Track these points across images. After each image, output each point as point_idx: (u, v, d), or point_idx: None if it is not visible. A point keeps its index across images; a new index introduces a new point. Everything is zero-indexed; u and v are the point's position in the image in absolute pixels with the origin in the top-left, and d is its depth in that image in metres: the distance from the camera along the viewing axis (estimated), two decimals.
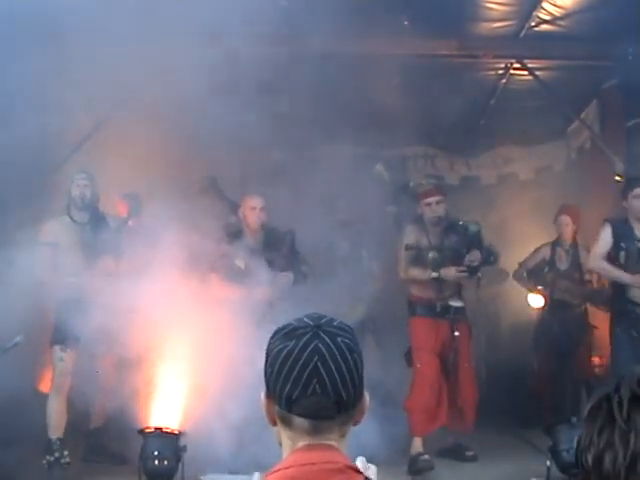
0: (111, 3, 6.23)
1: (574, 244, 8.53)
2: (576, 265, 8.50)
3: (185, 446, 6.32)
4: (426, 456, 7.04)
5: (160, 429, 6.41)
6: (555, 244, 8.67)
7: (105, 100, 7.47)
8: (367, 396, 2.00)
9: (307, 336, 1.91)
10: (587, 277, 8.45)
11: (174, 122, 7.39)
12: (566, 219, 8.52)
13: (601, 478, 1.45)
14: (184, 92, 6.75)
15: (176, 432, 6.43)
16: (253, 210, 7.30)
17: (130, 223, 7.44)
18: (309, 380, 1.87)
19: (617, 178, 7.78)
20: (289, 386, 1.89)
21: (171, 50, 6.76)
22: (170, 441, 6.33)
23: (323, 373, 1.88)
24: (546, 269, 8.58)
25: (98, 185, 7.29)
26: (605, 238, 6.95)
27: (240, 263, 7.28)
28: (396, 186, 7.69)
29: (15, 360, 6.35)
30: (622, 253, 6.85)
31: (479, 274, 7.50)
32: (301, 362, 1.89)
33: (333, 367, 1.89)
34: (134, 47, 6.18)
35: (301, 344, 1.90)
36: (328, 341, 1.91)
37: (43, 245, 7.04)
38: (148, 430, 6.39)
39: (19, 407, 6.60)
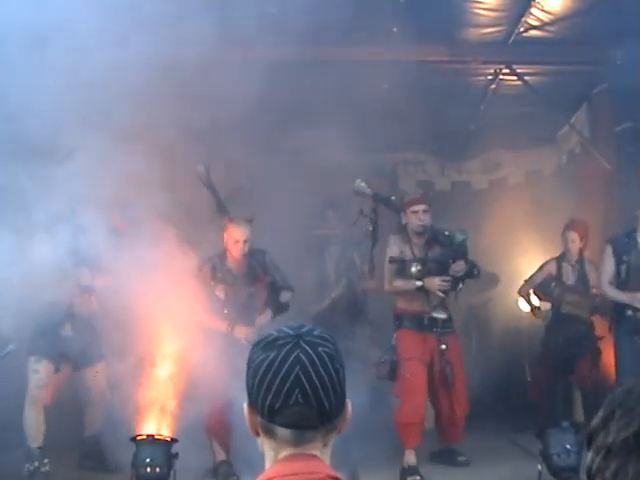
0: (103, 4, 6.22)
1: (580, 259, 8.40)
2: (583, 279, 8.37)
3: (177, 453, 6.32)
4: (417, 477, 6.93)
5: (152, 436, 6.42)
6: (560, 259, 8.52)
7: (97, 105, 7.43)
8: (349, 405, 2.01)
9: (288, 346, 1.92)
10: (594, 291, 8.33)
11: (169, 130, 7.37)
12: (573, 235, 8.30)
13: None
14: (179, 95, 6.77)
15: (168, 439, 6.43)
16: (237, 243, 7.23)
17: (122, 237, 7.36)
18: (291, 390, 1.88)
19: None
20: (271, 397, 1.89)
21: (167, 53, 6.76)
22: (162, 448, 6.33)
23: (305, 383, 1.88)
24: (553, 284, 8.49)
25: (78, 196, 7.25)
26: (607, 261, 6.98)
27: (220, 293, 7.28)
28: (378, 199, 7.57)
29: (7, 369, 6.36)
30: (623, 267, 6.85)
31: (461, 286, 7.34)
32: (283, 372, 1.89)
33: (315, 377, 1.89)
34: (129, 50, 6.16)
35: (282, 354, 1.91)
36: (309, 351, 1.91)
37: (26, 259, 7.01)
38: (140, 437, 6.39)
39: (12, 415, 6.60)
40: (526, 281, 8.78)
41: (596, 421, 1.45)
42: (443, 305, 7.30)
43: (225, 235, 7.31)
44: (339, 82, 8.34)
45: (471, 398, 7.61)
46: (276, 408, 1.89)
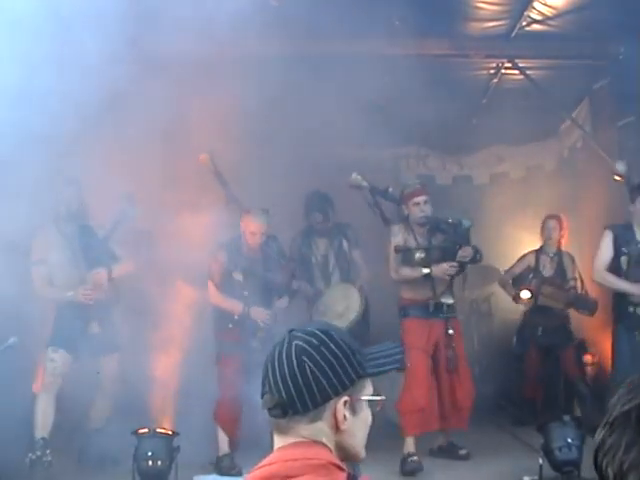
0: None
1: (559, 251, 8.60)
2: (561, 272, 8.58)
3: (178, 447, 6.34)
4: (415, 457, 7.01)
5: (154, 430, 6.42)
6: (539, 252, 8.73)
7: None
8: (340, 404, 2.04)
9: (278, 340, 2.09)
10: (572, 283, 8.50)
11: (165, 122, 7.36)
12: (553, 222, 8.59)
13: None
14: (178, 91, 6.77)
15: (170, 433, 6.44)
16: (254, 235, 7.24)
17: (121, 227, 7.36)
18: (263, 381, 2.05)
19: (616, 178, 7.72)
20: (261, 386, 2.07)
21: (163, 46, 6.76)
22: (164, 442, 6.34)
23: (270, 374, 2.03)
24: (530, 275, 8.61)
25: (86, 193, 7.28)
26: (606, 247, 6.85)
27: (238, 276, 7.31)
28: (374, 192, 7.60)
29: (10, 362, 6.38)
30: (623, 258, 6.79)
31: (466, 271, 7.46)
32: (264, 363, 2.07)
33: (277, 369, 2.02)
34: (125, 43, 6.15)
35: (272, 347, 2.09)
36: (284, 344, 2.06)
37: (35, 264, 7.06)
38: (142, 431, 6.40)
39: (15, 408, 6.60)
40: (506, 272, 8.94)
41: (613, 398, 1.47)
42: (450, 291, 7.40)
43: (242, 225, 7.31)
44: (340, 76, 8.32)
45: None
46: (261, 397, 2.05)
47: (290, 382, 1.99)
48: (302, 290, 8.05)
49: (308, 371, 2.00)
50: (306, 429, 2.01)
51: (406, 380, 7.20)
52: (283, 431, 2.03)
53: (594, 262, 6.96)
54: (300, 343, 2.03)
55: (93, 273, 7.02)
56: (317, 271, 8.35)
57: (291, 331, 2.08)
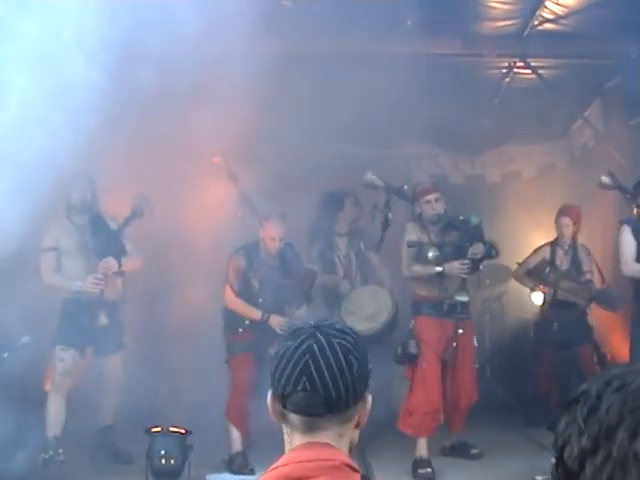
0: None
1: (574, 244, 8.49)
2: (576, 265, 8.47)
3: (192, 445, 6.35)
4: (429, 469, 6.95)
5: (167, 428, 6.44)
6: (555, 244, 8.59)
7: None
8: (369, 399, 2.05)
9: (304, 336, 1.99)
10: (588, 277, 8.41)
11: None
12: (566, 220, 8.42)
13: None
14: (187, 90, 6.78)
15: (183, 431, 6.45)
16: (273, 240, 7.28)
17: (134, 224, 7.38)
18: (299, 377, 1.95)
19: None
20: (283, 382, 1.97)
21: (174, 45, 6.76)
22: (177, 440, 6.35)
23: (313, 371, 1.95)
24: (547, 269, 8.52)
25: (98, 188, 7.31)
26: (629, 240, 6.79)
27: (255, 282, 7.33)
28: (390, 190, 7.57)
29: (24, 361, 6.41)
30: None
31: (481, 268, 7.41)
32: (294, 359, 1.97)
33: (323, 365, 1.95)
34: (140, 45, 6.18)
35: (297, 343, 1.98)
36: (323, 341, 1.98)
37: (45, 251, 7.11)
38: (155, 429, 6.41)
39: (26, 406, 6.64)
40: (520, 264, 8.83)
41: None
42: (464, 288, 7.36)
43: (261, 232, 7.36)
44: (352, 75, 8.34)
45: (485, 391, 7.60)
46: (286, 393, 1.96)
47: (340, 380, 1.94)
48: (327, 284, 8.12)
49: (355, 370, 1.97)
50: (338, 428, 1.98)
51: (418, 381, 7.14)
52: (312, 430, 1.98)
53: (622, 257, 6.85)
54: (342, 342, 1.99)
55: (103, 262, 7.04)
56: (341, 271, 8.37)
57: (318, 327, 2.01)
